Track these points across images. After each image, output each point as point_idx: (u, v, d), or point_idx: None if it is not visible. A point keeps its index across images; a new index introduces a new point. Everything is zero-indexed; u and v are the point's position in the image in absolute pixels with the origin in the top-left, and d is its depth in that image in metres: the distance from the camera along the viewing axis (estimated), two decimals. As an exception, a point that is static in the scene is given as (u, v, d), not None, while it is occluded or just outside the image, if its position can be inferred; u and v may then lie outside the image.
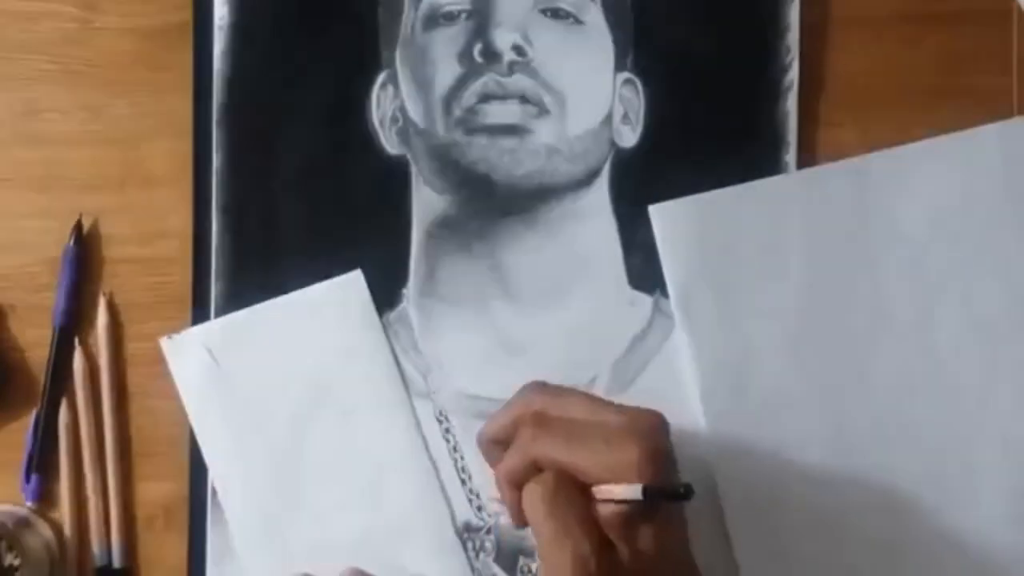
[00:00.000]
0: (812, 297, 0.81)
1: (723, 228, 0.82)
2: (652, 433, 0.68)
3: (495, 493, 0.78)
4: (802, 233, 0.82)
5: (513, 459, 0.71)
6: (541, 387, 0.73)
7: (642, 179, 0.82)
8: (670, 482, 0.68)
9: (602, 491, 0.67)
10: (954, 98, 0.83)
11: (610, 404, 0.71)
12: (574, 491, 0.68)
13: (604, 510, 0.67)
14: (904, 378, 0.81)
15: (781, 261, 0.82)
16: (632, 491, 0.65)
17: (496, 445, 0.74)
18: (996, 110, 0.83)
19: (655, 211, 0.82)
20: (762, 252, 0.82)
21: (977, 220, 0.81)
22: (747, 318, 0.81)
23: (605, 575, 0.66)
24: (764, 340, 0.81)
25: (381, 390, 0.82)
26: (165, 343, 0.82)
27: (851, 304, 0.81)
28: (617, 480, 0.66)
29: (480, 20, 0.82)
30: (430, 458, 0.82)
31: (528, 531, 0.79)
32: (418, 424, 0.82)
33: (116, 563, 0.82)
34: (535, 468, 0.69)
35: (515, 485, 0.70)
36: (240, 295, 0.82)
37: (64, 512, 0.82)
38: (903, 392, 0.81)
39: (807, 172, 0.82)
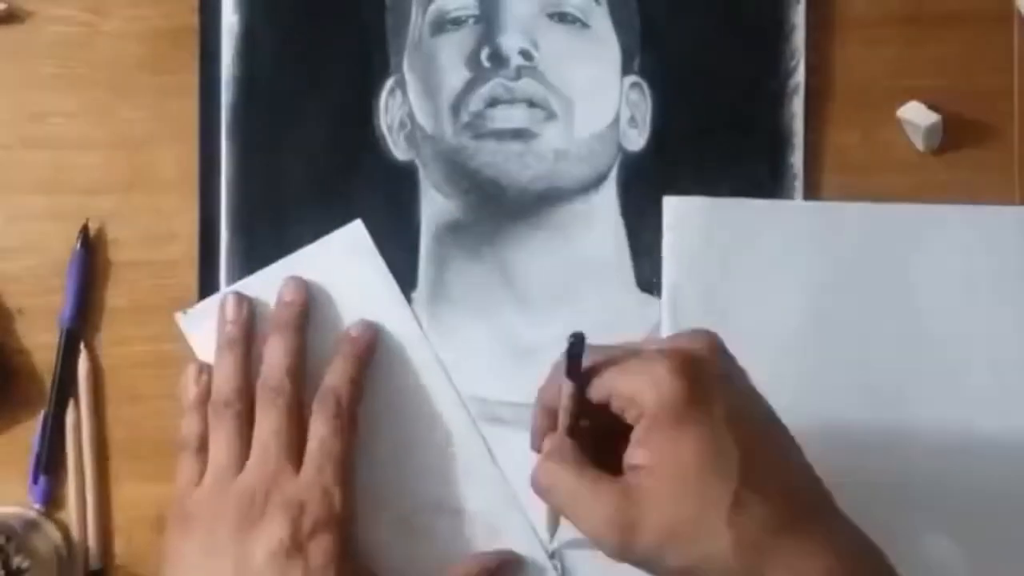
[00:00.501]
0: (800, 329, 0.81)
1: (732, 236, 0.82)
2: (689, 351, 0.66)
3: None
4: (808, 264, 0.82)
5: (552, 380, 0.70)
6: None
7: (650, 182, 0.82)
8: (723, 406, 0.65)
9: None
10: (957, 100, 0.83)
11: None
12: (574, 460, 0.66)
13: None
14: (873, 427, 0.81)
15: (780, 286, 0.82)
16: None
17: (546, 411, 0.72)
18: (998, 111, 0.84)
19: (669, 203, 0.82)
20: (764, 271, 0.82)
21: (984, 294, 0.82)
22: (731, 333, 0.81)
23: (635, 515, 0.63)
24: (741, 358, 0.80)
25: (399, 329, 0.82)
26: (180, 318, 0.82)
27: (837, 346, 0.81)
28: (641, 399, 0.64)
29: (487, 25, 0.83)
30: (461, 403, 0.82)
31: (538, 534, 0.81)
32: (437, 359, 0.82)
33: (121, 564, 0.82)
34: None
35: (544, 406, 0.70)
36: (248, 299, 0.83)
37: (71, 514, 0.82)
38: (870, 436, 0.81)
39: (828, 204, 0.83)
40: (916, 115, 0.82)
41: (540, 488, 0.68)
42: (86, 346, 0.83)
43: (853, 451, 0.80)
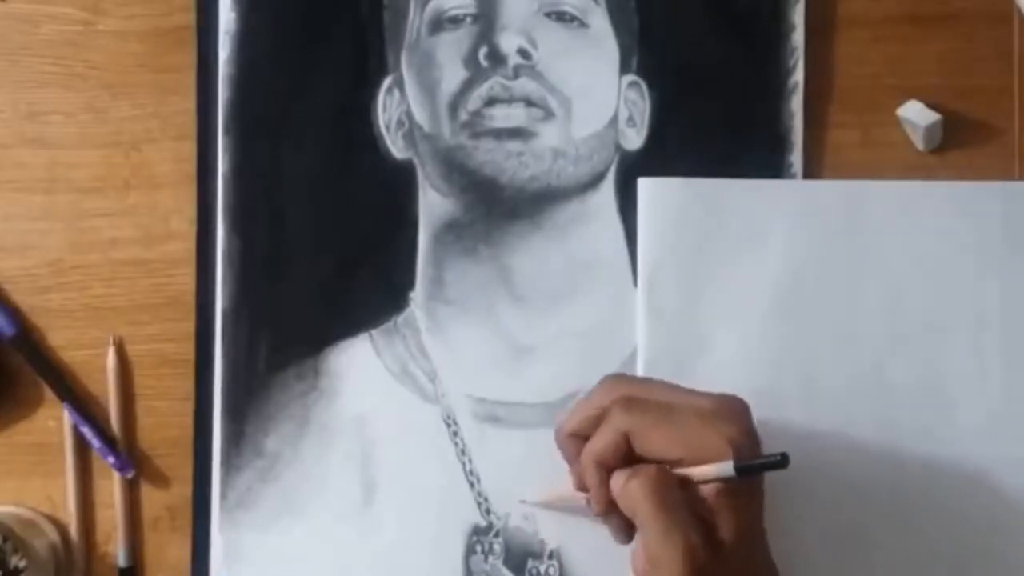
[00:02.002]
0: (778, 306, 0.81)
1: (709, 217, 0.82)
2: (743, 414, 0.70)
3: (508, 495, 0.81)
4: (786, 240, 0.81)
5: (604, 438, 0.72)
6: (622, 376, 0.76)
7: (647, 181, 0.82)
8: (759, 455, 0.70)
9: (695, 472, 0.68)
10: (957, 99, 0.83)
11: (693, 390, 0.72)
12: (677, 482, 0.69)
13: (705, 490, 0.68)
14: (853, 402, 0.81)
15: (757, 263, 0.81)
16: (725, 468, 0.67)
17: (575, 439, 0.74)
18: (998, 110, 0.83)
19: (643, 184, 0.82)
20: (742, 250, 0.82)
21: (963, 270, 0.81)
22: (708, 310, 0.81)
23: (711, 562, 0.67)
24: (719, 337, 0.81)
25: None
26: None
27: (816, 323, 0.81)
28: (713, 459, 0.68)
29: (485, 24, 0.82)
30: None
31: (537, 533, 0.81)
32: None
33: (121, 563, 0.82)
34: (625, 446, 0.71)
35: (604, 467, 0.72)
36: (246, 300, 0.82)
37: (70, 513, 0.82)
38: (851, 411, 0.81)
39: (807, 182, 0.82)
40: (916, 114, 0.82)
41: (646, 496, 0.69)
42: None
43: (831, 432, 0.80)
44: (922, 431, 0.81)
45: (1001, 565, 0.80)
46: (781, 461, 0.67)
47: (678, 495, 0.69)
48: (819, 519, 0.79)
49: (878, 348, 0.81)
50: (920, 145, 0.82)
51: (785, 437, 0.73)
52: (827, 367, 0.81)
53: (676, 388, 0.73)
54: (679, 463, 0.69)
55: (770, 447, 0.70)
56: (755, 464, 0.68)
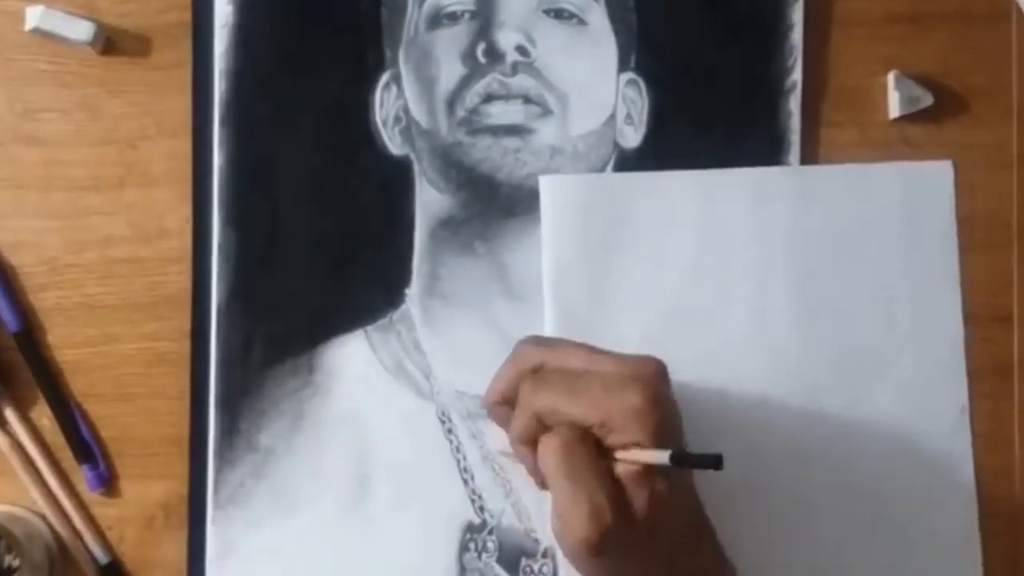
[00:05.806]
0: (685, 299, 0.82)
1: (612, 212, 0.82)
2: (652, 379, 0.69)
3: (498, 489, 0.82)
4: (690, 233, 0.82)
5: (519, 418, 0.71)
6: (536, 341, 0.74)
7: (645, 180, 0.82)
8: (682, 437, 0.69)
9: (629, 456, 0.67)
10: (955, 98, 0.84)
11: (608, 353, 0.71)
12: (587, 444, 0.68)
13: (622, 465, 0.67)
14: (766, 390, 0.81)
15: (663, 256, 0.82)
16: (660, 457, 0.66)
17: (502, 406, 0.74)
18: (996, 109, 0.84)
19: (544, 183, 0.82)
20: (646, 243, 0.82)
21: (868, 250, 0.82)
22: (616, 306, 0.81)
23: (619, 526, 0.66)
24: (627, 333, 0.80)
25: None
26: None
27: (725, 312, 0.82)
28: (619, 428, 0.67)
29: (483, 20, 0.82)
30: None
31: (531, 532, 0.81)
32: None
33: (110, 561, 0.82)
34: (541, 424, 0.70)
35: (527, 443, 0.71)
36: (242, 295, 0.82)
37: (65, 513, 0.82)
38: (763, 401, 0.81)
39: (705, 173, 0.82)
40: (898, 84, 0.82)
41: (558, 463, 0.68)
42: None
43: (744, 420, 0.81)
44: (838, 410, 0.81)
45: (919, 521, 0.82)
46: (714, 463, 0.65)
47: (586, 456, 0.67)
48: (736, 505, 0.79)
49: (788, 335, 0.82)
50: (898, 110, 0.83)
51: (695, 428, 0.73)
52: (738, 355, 0.81)
53: (590, 352, 0.71)
54: (601, 427, 0.68)
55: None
56: (691, 458, 0.67)
